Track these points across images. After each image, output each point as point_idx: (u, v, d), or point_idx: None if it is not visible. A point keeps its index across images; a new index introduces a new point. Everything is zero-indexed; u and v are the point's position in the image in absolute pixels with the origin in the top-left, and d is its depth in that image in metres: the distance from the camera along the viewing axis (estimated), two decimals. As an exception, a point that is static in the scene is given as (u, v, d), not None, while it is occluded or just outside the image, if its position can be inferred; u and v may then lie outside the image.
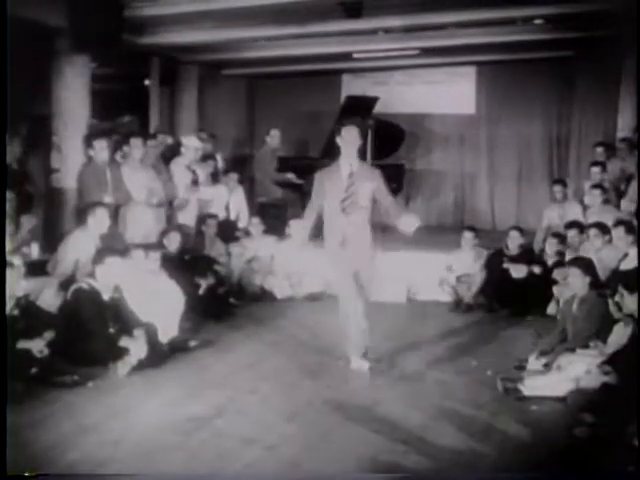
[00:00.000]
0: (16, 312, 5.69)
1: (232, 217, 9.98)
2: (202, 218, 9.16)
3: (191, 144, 9.33)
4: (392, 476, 4.13)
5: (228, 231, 9.57)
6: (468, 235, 9.09)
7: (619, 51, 10.61)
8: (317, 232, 6.59)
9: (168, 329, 6.75)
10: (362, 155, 9.93)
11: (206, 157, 10.08)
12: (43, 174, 8.95)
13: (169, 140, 9.80)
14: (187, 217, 9.03)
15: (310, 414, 5.31)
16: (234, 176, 10.16)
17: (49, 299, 6.67)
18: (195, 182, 9.23)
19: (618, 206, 9.09)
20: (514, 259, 8.69)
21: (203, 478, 4.06)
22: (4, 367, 4.98)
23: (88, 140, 8.33)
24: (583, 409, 5.14)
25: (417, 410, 5.39)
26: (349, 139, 6.28)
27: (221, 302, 8.31)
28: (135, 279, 6.80)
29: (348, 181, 6.27)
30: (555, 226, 9.20)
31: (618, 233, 7.63)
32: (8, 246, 6.54)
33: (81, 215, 7.64)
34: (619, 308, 5.85)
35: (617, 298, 5.79)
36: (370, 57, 12.20)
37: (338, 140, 6.35)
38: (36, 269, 6.93)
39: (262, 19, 9.62)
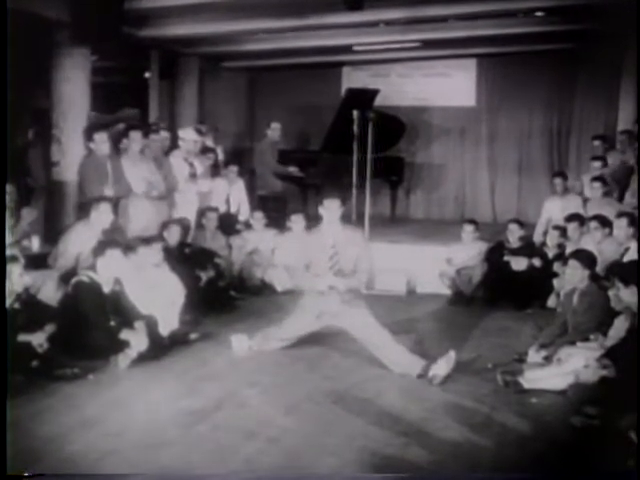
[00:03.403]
0: (17, 305, 5.69)
1: (232, 210, 9.99)
2: (202, 211, 9.16)
3: (188, 137, 9.34)
4: (393, 476, 4.13)
5: (229, 224, 9.57)
6: (468, 228, 9.09)
7: (620, 43, 10.61)
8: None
9: (168, 322, 6.76)
10: (364, 147, 10.09)
11: (206, 150, 10.08)
12: (43, 167, 8.96)
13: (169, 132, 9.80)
14: (187, 210, 9.03)
15: (310, 407, 5.31)
16: (233, 168, 10.18)
17: (50, 292, 6.67)
18: (193, 175, 9.23)
19: (619, 199, 9.09)
20: (514, 252, 8.70)
21: (203, 478, 4.06)
22: (4, 362, 4.98)
23: (88, 133, 8.33)
24: (584, 402, 5.14)
25: (417, 403, 5.40)
26: (332, 209, 6.42)
27: (221, 295, 8.32)
28: (136, 272, 6.81)
29: (332, 250, 6.37)
30: (555, 219, 9.20)
31: (620, 223, 7.62)
32: (8, 239, 6.54)
33: (83, 209, 7.65)
34: (619, 300, 5.86)
35: (615, 291, 5.79)
36: (370, 49, 12.20)
37: (321, 210, 6.48)
38: (37, 262, 6.93)
39: (262, 11, 9.61)
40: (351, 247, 6.41)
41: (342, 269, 6.36)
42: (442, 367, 5.86)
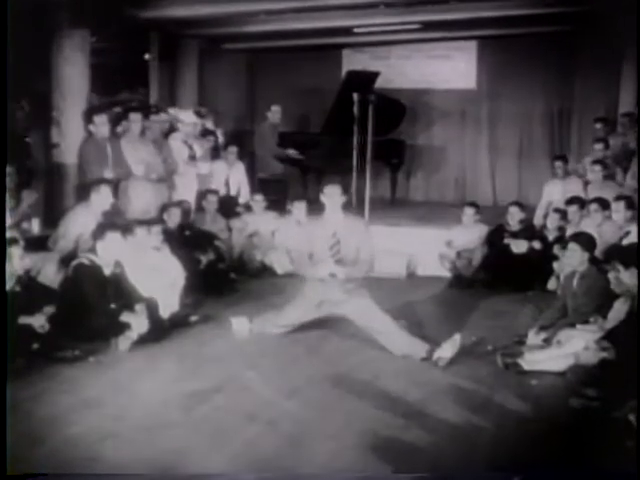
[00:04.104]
0: (17, 288, 5.70)
1: (232, 192, 9.97)
2: (202, 193, 9.15)
3: (188, 119, 9.33)
4: (392, 476, 4.13)
5: (229, 206, 9.57)
6: (469, 211, 9.08)
7: (621, 26, 10.55)
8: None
9: (169, 304, 6.76)
10: (364, 130, 10.07)
11: (206, 132, 10.06)
12: (43, 149, 8.93)
13: (170, 115, 9.78)
14: (187, 192, 9.02)
15: (310, 389, 5.33)
16: (232, 149, 10.13)
17: (50, 275, 6.68)
18: (193, 157, 9.22)
19: (621, 182, 9.08)
20: (515, 234, 8.69)
21: (202, 477, 4.06)
22: (4, 345, 4.98)
23: (88, 115, 8.31)
24: (583, 384, 5.16)
25: (417, 385, 5.42)
26: (332, 196, 6.37)
27: (222, 277, 8.31)
28: (136, 254, 6.81)
29: (333, 239, 6.32)
30: (556, 202, 9.21)
31: (618, 207, 7.64)
32: (9, 221, 6.54)
33: (83, 191, 7.64)
34: (619, 282, 5.85)
35: (614, 273, 5.78)
36: (371, 31, 12.13)
37: (322, 198, 6.43)
38: (37, 245, 6.93)
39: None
40: (353, 236, 6.35)
41: (343, 258, 6.31)
42: (447, 350, 5.87)
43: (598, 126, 10.33)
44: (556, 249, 8.16)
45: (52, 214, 8.11)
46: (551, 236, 8.60)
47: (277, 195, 10.30)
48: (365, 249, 6.38)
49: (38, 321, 5.65)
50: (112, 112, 8.88)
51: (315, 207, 7.51)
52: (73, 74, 8.72)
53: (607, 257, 6.22)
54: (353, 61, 13.60)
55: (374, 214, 9.83)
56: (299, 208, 9.27)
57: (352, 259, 6.31)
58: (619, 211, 7.62)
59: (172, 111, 9.88)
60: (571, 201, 8.50)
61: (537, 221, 9.34)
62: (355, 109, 10.12)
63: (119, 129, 8.64)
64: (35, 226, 7.58)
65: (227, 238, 9.05)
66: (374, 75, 11.76)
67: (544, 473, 3.97)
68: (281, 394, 5.19)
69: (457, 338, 5.96)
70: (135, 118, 8.42)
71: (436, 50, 13.44)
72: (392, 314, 6.34)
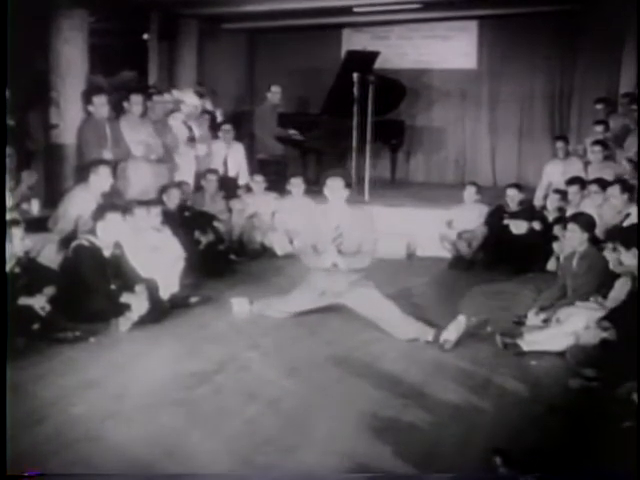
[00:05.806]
0: (17, 269, 5.70)
1: (231, 173, 9.95)
2: (202, 174, 9.14)
3: (190, 101, 9.30)
4: (391, 475, 4.13)
5: (228, 187, 9.55)
6: (471, 189, 9.07)
7: (622, 5, 10.51)
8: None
9: (169, 285, 6.77)
10: (364, 111, 10.05)
11: (205, 113, 10.02)
12: (43, 130, 8.91)
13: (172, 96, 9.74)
14: (186, 173, 9.00)
15: (311, 369, 5.34)
16: (227, 127, 10.04)
17: (50, 256, 6.67)
18: (192, 139, 9.19)
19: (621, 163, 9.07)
20: (515, 215, 8.68)
21: (209, 477, 4.06)
22: (4, 326, 4.98)
23: (87, 96, 8.28)
24: (582, 364, 5.17)
25: (417, 365, 5.43)
26: (335, 189, 6.32)
27: (221, 259, 8.32)
28: (136, 235, 6.80)
29: (336, 232, 6.30)
30: (556, 182, 9.19)
31: (613, 191, 7.62)
32: (9, 202, 6.53)
33: (82, 172, 7.62)
34: (620, 263, 5.85)
35: (615, 254, 5.78)
36: (371, 11, 12.08)
37: (325, 190, 6.38)
38: (37, 225, 6.93)
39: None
40: (356, 229, 6.33)
41: (345, 250, 6.29)
42: (452, 332, 5.86)
43: (599, 106, 10.31)
44: (556, 230, 8.16)
45: (52, 195, 8.10)
46: (551, 217, 8.59)
47: (277, 176, 10.28)
48: (368, 241, 6.36)
49: (38, 302, 5.65)
50: (114, 94, 8.83)
51: (314, 188, 7.48)
52: (72, 54, 8.69)
53: (608, 238, 6.23)
54: (353, 41, 13.54)
55: (374, 195, 9.83)
56: (296, 185, 9.27)
57: (354, 251, 6.30)
58: (615, 195, 7.60)
59: (174, 93, 9.83)
60: (571, 181, 8.48)
61: (537, 202, 9.34)
62: (355, 89, 10.10)
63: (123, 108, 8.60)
64: (35, 207, 7.56)
65: (227, 219, 9.04)
66: (374, 55, 11.71)
67: (547, 472, 3.96)
68: (281, 374, 5.21)
69: (461, 319, 5.96)
70: (136, 100, 8.40)
71: (436, 30, 13.39)
72: (391, 296, 6.35)
